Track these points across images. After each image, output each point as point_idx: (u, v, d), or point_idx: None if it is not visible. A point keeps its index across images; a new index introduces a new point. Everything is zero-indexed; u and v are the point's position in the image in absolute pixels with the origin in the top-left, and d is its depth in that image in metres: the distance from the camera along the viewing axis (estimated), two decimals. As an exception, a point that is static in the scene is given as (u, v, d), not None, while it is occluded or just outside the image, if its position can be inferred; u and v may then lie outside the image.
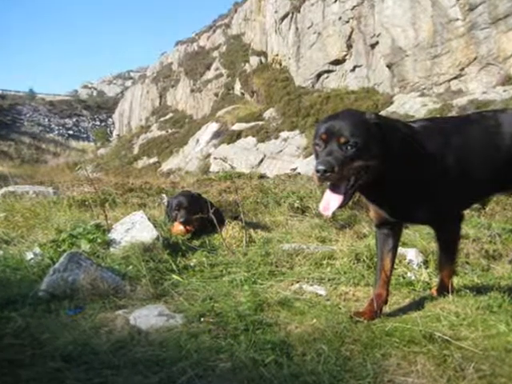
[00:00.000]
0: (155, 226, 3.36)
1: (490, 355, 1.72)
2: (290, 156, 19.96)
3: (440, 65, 17.84)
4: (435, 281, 2.64)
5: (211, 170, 21.52)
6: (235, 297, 2.43)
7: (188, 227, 3.82)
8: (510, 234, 3.95)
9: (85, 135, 52.05)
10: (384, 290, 2.22)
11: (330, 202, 1.92)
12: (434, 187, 2.11)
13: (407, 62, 18.99)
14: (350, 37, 22.81)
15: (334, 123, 1.92)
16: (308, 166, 14.59)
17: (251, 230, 3.95)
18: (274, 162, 20.41)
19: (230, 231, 3.82)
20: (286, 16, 27.18)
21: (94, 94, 62.37)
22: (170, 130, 36.04)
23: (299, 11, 25.91)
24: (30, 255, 2.95)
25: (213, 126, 27.25)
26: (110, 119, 53.51)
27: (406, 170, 2.01)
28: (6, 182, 7.01)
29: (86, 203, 4.77)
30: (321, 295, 2.53)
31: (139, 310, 2.17)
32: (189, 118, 36.83)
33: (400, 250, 2.79)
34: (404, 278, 2.80)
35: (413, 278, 2.80)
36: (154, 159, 31.48)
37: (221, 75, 35.27)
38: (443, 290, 2.38)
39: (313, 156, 2.12)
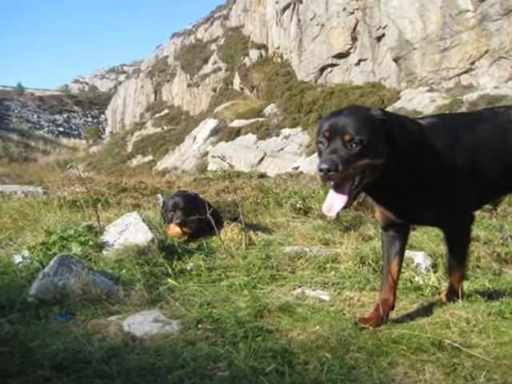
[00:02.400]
0: (150, 228, 3.34)
1: (502, 363, 1.68)
2: (292, 154, 19.91)
3: (449, 58, 17.55)
4: (444, 285, 2.61)
5: (209, 168, 21.53)
6: (234, 302, 2.40)
7: (185, 229, 3.79)
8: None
9: (76, 132, 52.04)
10: (391, 295, 2.19)
11: (334, 202, 1.88)
12: (442, 187, 2.08)
13: (415, 55, 18.69)
14: (354, 29, 22.37)
15: (337, 120, 1.89)
16: (310, 165, 14.62)
17: (251, 232, 3.94)
18: (274, 161, 20.37)
19: (229, 233, 3.79)
20: (287, 7, 26.81)
21: (86, 89, 62.39)
22: (165, 127, 36.02)
23: (301, 2, 25.51)
24: (18, 258, 2.92)
25: (211, 123, 27.21)
26: (103, 115, 53.44)
27: (413, 168, 1.99)
28: (-7, 181, 7.03)
29: (78, 204, 4.80)
30: (324, 300, 2.50)
31: (133, 316, 2.15)
32: (185, 114, 36.74)
33: (407, 252, 2.78)
34: (412, 282, 2.77)
35: (421, 282, 2.77)
36: (148, 157, 31.48)
37: (219, 69, 35.13)
38: (453, 294, 2.34)
39: (315, 154, 2.08)
